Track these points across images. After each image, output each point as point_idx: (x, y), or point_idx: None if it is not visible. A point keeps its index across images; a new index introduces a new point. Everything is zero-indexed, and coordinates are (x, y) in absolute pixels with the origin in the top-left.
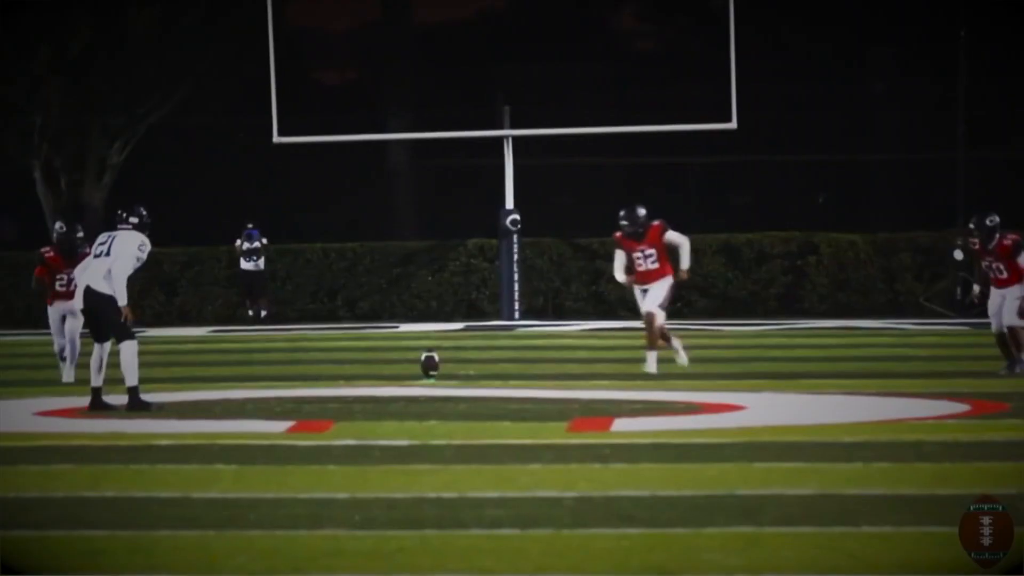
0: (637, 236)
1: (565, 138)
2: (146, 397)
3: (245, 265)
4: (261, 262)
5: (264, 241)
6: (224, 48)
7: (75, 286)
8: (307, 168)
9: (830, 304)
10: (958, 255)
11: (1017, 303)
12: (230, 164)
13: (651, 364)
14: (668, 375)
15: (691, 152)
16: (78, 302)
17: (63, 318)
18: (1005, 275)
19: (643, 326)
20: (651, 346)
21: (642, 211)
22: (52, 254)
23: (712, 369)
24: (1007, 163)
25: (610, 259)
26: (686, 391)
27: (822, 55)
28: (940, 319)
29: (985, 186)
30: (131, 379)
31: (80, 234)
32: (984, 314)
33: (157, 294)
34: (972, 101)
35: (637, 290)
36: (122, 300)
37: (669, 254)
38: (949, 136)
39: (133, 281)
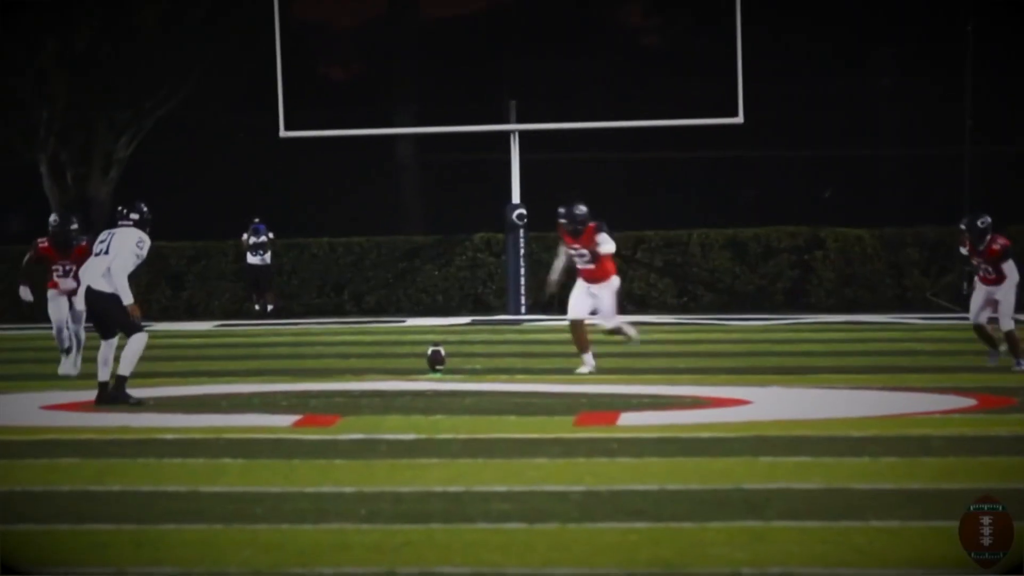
0: (575, 233)
1: (572, 133)
2: (139, 392)
3: (252, 259)
4: (268, 256)
5: (271, 235)
6: (230, 43)
7: (74, 276)
8: (314, 162)
9: (837, 299)
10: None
11: (1010, 306)
12: (237, 158)
13: (588, 365)
14: (675, 369)
15: (697, 147)
16: (80, 302)
17: (63, 304)
18: (993, 275)
19: (616, 335)
20: (625, 338)
21: (582, 209)
22: (47, 245)
23: (719, 364)
24: (1014, 158)
25: (616, 254)
26: (693, 385)
27: (828, 50)
28: (947, 314)
29: (991, 181)
30: (126, 369)
31: (75, 226)
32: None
33: (164, 288)
34: (978, 96)
35: (581, 285)
36: (127, 299)
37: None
38: (955, 131)
39: (139, 276)
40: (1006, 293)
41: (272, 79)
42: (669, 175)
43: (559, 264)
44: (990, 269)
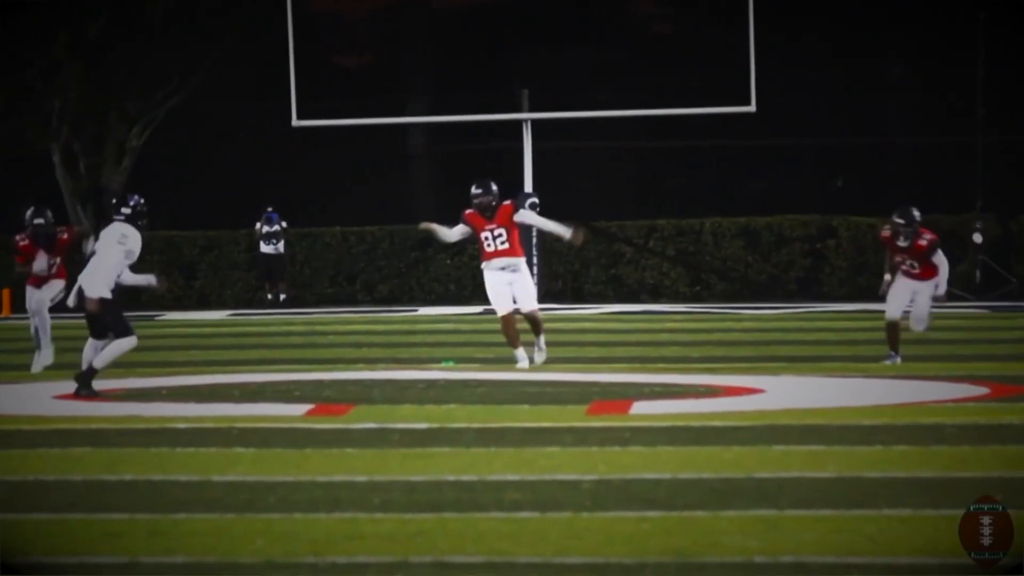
0: (488, 214)
1: (584, 122)
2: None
3: (264, 249)
4: (280, 246)
5: (283, 225)
6: (242, 33)
7: (58, 269)
8: (326, 152)
9: (849, 287)
10: (977, 238)
11: (928, 309)
12: (249, 148)
13: (524, 360)
14: (688, 358)
15: (710, 136)
16: (51, 291)
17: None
18: (918, 270)
19: (513, 321)
20: (515, 344)
21: (494, 188)
22: (26, 242)
23: (731, 352)
24: None
25: (628, 243)
26: (705, 374)
27: (840, 39)
28: (959, 302)
29: (1003, 170)
30: (100, 362)
31: (39, 220)
32: (1002, 298)
33: (176, 278)
34: (991, 84)
35: (494, 268)
36: (147, 281)
37: (523, 236)
38: (968, 119)
39: (152, 265)
40: (926, 295)
41: (284, 68)
42: (681, 164)
43: (447, 232)
44: (916, 264)
